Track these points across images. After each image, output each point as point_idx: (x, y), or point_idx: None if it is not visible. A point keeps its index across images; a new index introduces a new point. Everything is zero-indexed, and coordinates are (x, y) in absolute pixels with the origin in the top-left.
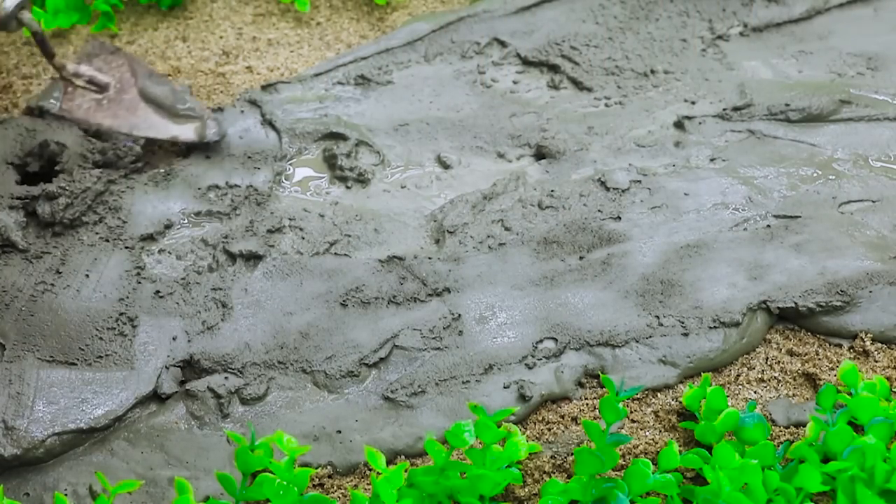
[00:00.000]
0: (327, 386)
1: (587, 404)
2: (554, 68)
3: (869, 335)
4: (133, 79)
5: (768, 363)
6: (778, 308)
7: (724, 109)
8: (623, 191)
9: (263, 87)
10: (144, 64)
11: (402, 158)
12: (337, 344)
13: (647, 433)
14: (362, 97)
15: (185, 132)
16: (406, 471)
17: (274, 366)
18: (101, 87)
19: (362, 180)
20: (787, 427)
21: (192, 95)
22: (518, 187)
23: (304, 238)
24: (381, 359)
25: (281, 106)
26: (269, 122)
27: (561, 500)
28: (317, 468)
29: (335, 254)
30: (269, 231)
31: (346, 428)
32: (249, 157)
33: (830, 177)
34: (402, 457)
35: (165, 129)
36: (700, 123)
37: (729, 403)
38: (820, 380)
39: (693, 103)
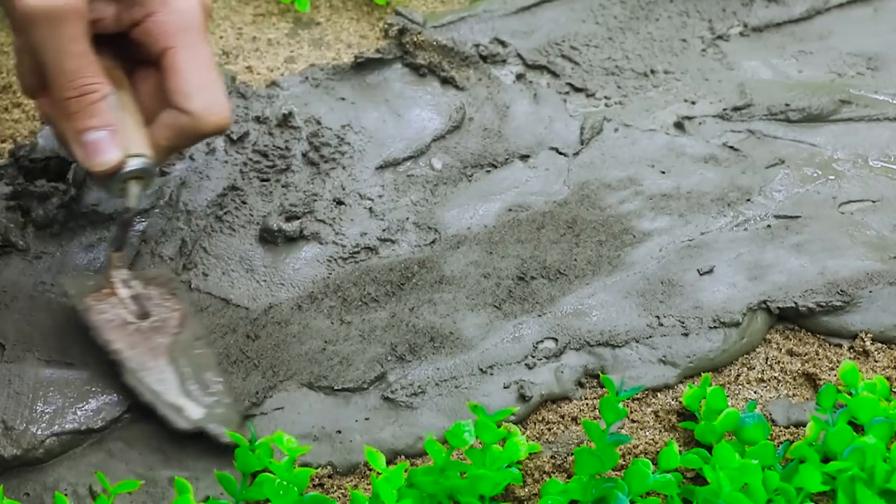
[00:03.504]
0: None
1: (587, 404)
2: (554, 68)
3: (869, 335)
4: (177, 330)
5: (768, 363)
6: (778, 308)
7: (724, 109)
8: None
9: (268, 86)
10: (200, 327)
11: None
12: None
13: (647, 433)
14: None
15: (191, 411)
16: (406, 471)
17: None
18: (140, 315)
19: None
20: (787, 427)
21: (223, 390)
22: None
23: None
24: None
25: None
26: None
27: (561, 500)
28: (317, 468)
29: None
30: None
31: (346, 428)
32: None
33: (830, 177)
34: (402, 457)
35: (172, 396)
36: (700, 123)
37: (729, 403)
38: (820, 380)
39: (693, 103)
